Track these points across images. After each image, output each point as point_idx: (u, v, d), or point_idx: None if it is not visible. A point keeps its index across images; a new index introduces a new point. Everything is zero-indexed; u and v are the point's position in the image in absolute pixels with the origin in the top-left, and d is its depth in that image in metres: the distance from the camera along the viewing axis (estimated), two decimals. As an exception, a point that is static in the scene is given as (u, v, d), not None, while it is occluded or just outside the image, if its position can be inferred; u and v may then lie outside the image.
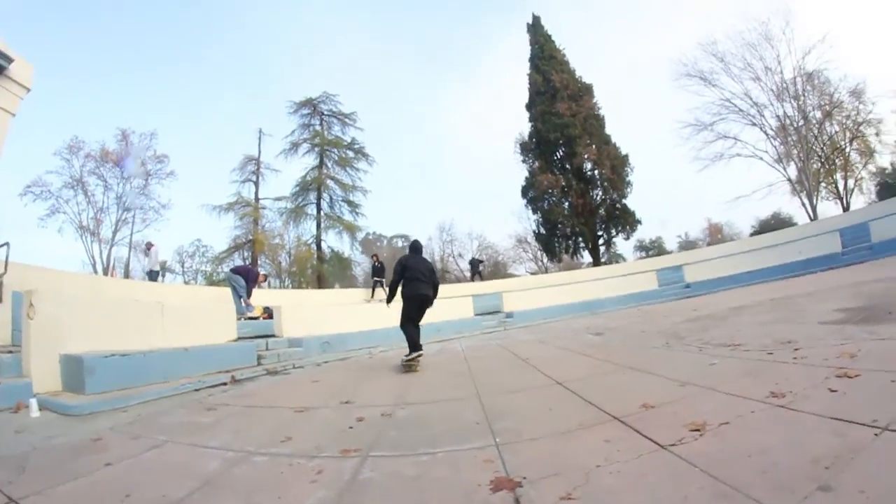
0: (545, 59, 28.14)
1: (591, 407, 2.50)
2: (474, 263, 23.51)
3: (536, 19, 29.39)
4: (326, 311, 9.98)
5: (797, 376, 2.32)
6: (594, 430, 2.09)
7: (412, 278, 5.16)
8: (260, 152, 25.69)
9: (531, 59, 28.99)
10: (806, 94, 24.03)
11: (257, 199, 25.33)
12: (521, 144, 29.13)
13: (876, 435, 1.38)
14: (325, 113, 27.09)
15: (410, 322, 5.18)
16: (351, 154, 27.36)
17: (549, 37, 28.99)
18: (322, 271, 26.37)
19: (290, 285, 28.90)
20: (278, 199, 26.06)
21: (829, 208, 24.65)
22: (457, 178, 58.80)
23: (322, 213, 26.43)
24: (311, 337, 7.69)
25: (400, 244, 38.30)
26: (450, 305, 11.43)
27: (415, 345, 4.98)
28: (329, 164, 27.20)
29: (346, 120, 27.17)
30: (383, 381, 4.19)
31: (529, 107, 28.58)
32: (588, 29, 50.48)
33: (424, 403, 3.06)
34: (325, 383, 4.29)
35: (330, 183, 26.85)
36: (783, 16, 26.61)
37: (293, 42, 50.37)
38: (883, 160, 24.78)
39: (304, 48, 51.07)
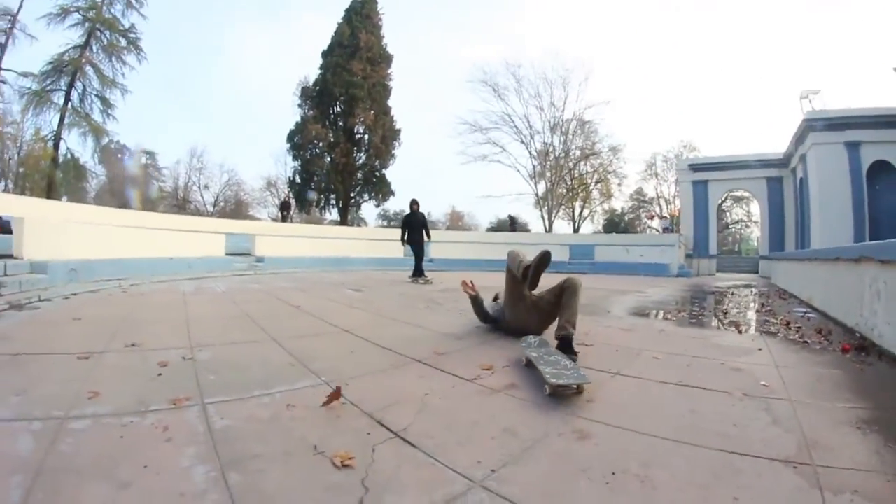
0: (361, 15, 26.93)
1: (389, 351, 2.77)
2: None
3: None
4: (83, 229, 8.03)
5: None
6: (405, 369, 2.40)
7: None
8: (21, 6, 18.75)
9: (348, 10, 27.33)
10: (575, 135, 30.14)
11: None
12: (302, 88, 27.81)
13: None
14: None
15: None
16: (123, 42, 21.70)
17: (375, -5, 27.40)
18: (54, 177, 20.03)
19: (12, 189, 22.10)
20: (25, 74, 19.38)
21: (561, 226, 31.95)
22: (222, 104, 54.52)
23: (70, 104, 20.08)
24: (58, 262, 6.29)
25: (143, 160, 32.69)
26: (200, 241, 10.72)
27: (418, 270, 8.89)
28: (95, 48, 20.74)
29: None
30: (158, 320, 3.72)
31: (326, 54, 27.15)
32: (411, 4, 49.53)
33: (222, 345, 2.84)
34: (90, 321, 3.54)
35: (89, 70, 20.26)
36: (585, 71, 33.61)
37: None
38: (616, 204, 34.75)
39: None
